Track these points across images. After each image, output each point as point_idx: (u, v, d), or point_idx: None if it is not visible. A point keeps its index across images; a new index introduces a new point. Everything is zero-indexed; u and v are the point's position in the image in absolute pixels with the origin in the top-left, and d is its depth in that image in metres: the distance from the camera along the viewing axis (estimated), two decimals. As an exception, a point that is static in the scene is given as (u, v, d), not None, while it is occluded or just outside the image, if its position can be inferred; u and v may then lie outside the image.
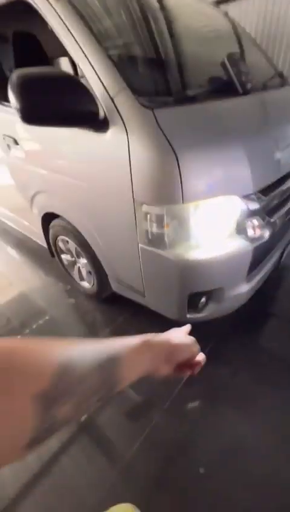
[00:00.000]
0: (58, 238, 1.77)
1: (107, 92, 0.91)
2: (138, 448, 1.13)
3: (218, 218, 1.11)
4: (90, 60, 0.91)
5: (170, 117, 0.92)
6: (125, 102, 0.90)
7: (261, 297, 1.80)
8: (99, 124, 0.97)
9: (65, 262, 1.93)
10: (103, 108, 0.94)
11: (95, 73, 0.91)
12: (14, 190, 1.82)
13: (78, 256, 1.72)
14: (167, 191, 0.95)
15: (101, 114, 0.95)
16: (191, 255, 1.09)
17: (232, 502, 0.98)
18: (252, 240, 1.17)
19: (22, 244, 2.63)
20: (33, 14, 1.03)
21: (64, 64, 1.76)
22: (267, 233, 1.20)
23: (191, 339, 0.47)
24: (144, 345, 0.37)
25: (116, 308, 1.81)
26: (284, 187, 1.27)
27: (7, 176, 1.79)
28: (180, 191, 0.94)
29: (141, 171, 0.95)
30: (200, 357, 0.48)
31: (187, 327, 0.53)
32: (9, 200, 2.13)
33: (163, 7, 1.25)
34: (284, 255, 1.59)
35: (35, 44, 1.49)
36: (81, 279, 1.87)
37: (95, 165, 1.09)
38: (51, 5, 0.94)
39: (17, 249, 2.63)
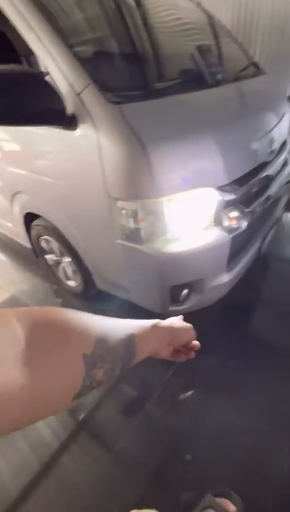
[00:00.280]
0: (41, 238, 1.76)
1: (73, 89, 0.90)
2: (131, 436, 1.15)
3: (194, 211, 1.12)
4: (53, 56, 0.90)
5: (138, 112, 0.92)
6: (92, 99, 0.89)
7: (246, 286, 1.84)
8: (68, 121, 0.96)
9: (50, 262, 1.92)
10: (70, 105, 0.93)
11: (59, 70, 0.90)
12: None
13: (62, 255, 1.72)
14: (140, 186, 0.96)
15: (69, 111, 0.94)
16: (169, 249, 1.11)
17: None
18: (229, 230, 1.18)
19: (6, 246, 2.60)
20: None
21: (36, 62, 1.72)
22: (244, 223, 1.22)
23: (188, 325, 0.52)
24: (154, 328, 0.42)
25: (104, 305, 1.81)
26: (260, 176, 1.28)
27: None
28: (153, 185, 0.95)
29: (113, 167, 0.95)
30: (196, 342, 0.53)
31: (181, 316, 0.56)
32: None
33: (131, 1, 1.24)
34: (265, 243, 1.61)
35: (5, 42, 1.46)
36: (67, 278, 1.87)
37: (68, 162, 1.09)
38: (12, 1, 0.92)
39: (1, 252, 2.60)
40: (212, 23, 1.73)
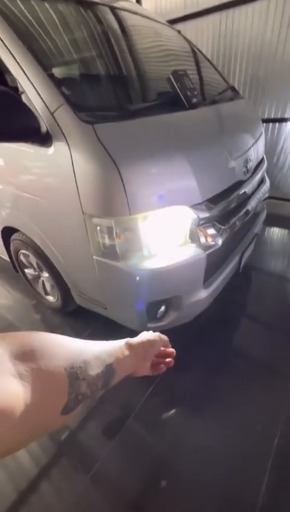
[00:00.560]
0: (20, 252, 1.73)
1: (47, 108, 0.92)
2: (107, 461, 1.10)
3: (169, 228, 1.13)
4: (28, 76, 0.92)
5: (111, 131, 0.94)
6: (65, 118, 0.91)
7: (227, 301, 1.85)
8: (43, 139, 0.97)
9: (29, 277, 1.88)
10: (45, 123, 0.94)
11: (34, 89, 0.92)
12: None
13: (41, 270, 1.68)
14: (113, 203, 0.96)
15: (43, 129, 0.95)
16: (144, 265, 1.10)
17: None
18: (205, 247, 1.20)
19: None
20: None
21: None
22: (220, 240, 1.23)
23: (157, 334, 0.54)
24: (127, 346, 0.44)
25: (83, 321, 1.77)
26: (235, 195, 1.32)
27: None
28: (126, 203, 0.95)
29: (86, 184, 0.96)
30: (171, 349, 0.56)
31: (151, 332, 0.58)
32: None
33: (109, 25, 1.29)
34: (244, 258, 1.64)
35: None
36: (46, 293, 1.83)
37: (44, 178, 1.09)
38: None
39: None
40: (191, 50, 1.82)
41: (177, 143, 1.06)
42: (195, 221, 1.15)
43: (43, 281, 1.77)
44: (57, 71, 0.97)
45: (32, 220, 1.34)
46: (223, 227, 1.27)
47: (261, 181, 1.78)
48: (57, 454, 1.15)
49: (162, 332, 0.57)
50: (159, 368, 0.54)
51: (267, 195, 1.88)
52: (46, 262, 1.50)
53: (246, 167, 1.41)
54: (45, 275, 1.66)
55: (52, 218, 1.21)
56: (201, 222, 1.16)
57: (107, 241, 1.08)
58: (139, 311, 1.22)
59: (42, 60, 0.93)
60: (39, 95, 0.92)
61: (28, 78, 0.92)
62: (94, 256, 1.15)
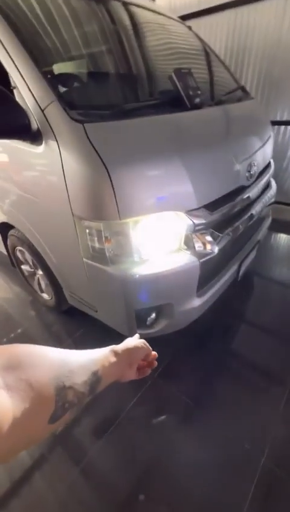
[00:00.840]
0: (16, 248, 1.72)
1: (38, 104, 0.88)
2: (86, 471, 1.07)
3: (162, 234, 1.08)
4: (20, 71, 0.89)
5: (102, 131, 0.90)
6: (56, 115, 0.87)
7: (224, 310, 1.79)
8: (34, 136, 0.94)
9: (25, 273, 1.87)
10: (35, 120, 0.91)
11: (25, 84, 0.89)
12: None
13: (36, 267, 1.67)
14: (102, 207, 0.93)
15: (34, 126, 0.92)
16: (135, 271, 1.06)
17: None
18: (200, 254, 1.15)
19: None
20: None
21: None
22: (216, 248, 1.18)
23: (141, 341, 0.55)
24: (112, 353, 0.46)
25: (76, 321, 1.75)
26: (236, 201, 1.26)
27: None
28: (116, 206, 0.91)
29: (76, 186, 0.92)
30: (153, 353, 0.58)
31: (137, 335, 0.60)
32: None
33: (108, 20, 1.24)
34: (243, 266, 1.58)
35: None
36: (41, 290, 1.81)
37: (35, 177, 1.06)
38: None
39: None
40: (201, 47, 1.75)
41: (173, 145, 1.01)
42: (190, 228, 1.10)
43: (38, 278, 1.76)
44: (50, 67, 0.94)
45: (26, 218, 1.32)
46: (220, 234, 1.21)
47: (267, 186, 1.71)
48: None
49: (154, 338, 0.59)
50: (144, 371, 0.56)
51: (273, 200, 1.81)
52: (39, 260, 1.49)
53: (250, 172, 1.35)
54: (40, 272, 1.65)
55: (44, 217, 1.18)
56: (197, 228, 1.12)
57: (96, 245, 1.04)
58: (128, 317, 1.18)
59: (35, 54, 0.89)
60: (30, 91, 0.88)
61: (20, 72, 0.89)
62: (84, 259, 1.12)
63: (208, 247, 1.17)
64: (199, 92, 1.20)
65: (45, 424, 0.28)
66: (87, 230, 1.01)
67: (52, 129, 0.88)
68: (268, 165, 1.71)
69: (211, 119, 1.25)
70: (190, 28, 1.80)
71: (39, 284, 1.79)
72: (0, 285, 2.21)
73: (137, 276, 1.06)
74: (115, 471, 1.09)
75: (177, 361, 1.50)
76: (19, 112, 0.88)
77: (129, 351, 0.49)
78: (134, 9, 1.34)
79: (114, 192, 0.88)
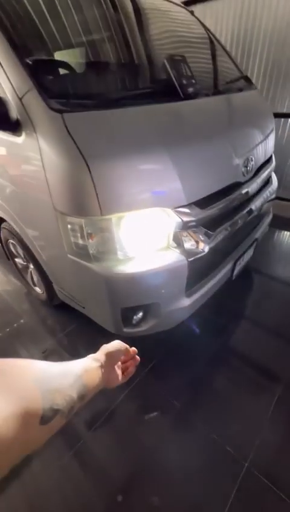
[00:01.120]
0: (8, 241, 1.70)
1: (16, 92, 0.84)
2: (62, 469, 1.07)
3: (148, 231, 1.04)
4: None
5: (83, 122, 0.85)
6: (34, 104, 0.83)
7: (219, 309, 1.75)
8: (13, 127, 0.89)
9: (19, 266, 1.86)
10: (14, 110, 0.86)
11: (3, 72, 0.84)
12: None
13: (27, 261, 1.65)
14: (84, 202, 0.89)
15: (13, 116, 0.87)
16: (119, 269, 1.03)
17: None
18: (189, 253, 1.10)
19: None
20: None
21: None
22: (206, 247, 1.13)
23: (118, 341, 0.55)
24: (91, 360, 0.47)
25: (68, 316, 1.74)
26: (229, 198, 1.20)
27: None
28: (97, 202, 0.87)
29: (55, 180, 0.88)
30: (132, 348, 0.59)
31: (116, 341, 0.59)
32: None
33: (95, 3, 1.17)
34: (239, 266, 1.52)
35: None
36: (34, 284, 1.80)
37: (17, 169, 1.02)
38: None
39: None
40: (202, 33, 1.65)
41: (160, 138, 0.95)
42: (179, 225, 1.05)
43: (31, 272, 1.74)
44: (30, 54, 0.88)
45: (13, 211, 1.29)
46: (212, 233, 1.16)
47: (267, 182, 1.63)
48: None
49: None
50: (129, 371, 0.57)
51: (273, 196, 1.73)
52: (29, 254, 1.46)
53: (247, 167, 1.28)
54: (32, 266, 1.63)
55: (29, 211, 1.15)
56: (186, 226, 1.07)
57: (79, 241, 1.01)
58: (114, 315, 1.15)
59: (14, 41, 0.84)
60: (8, 78, 0.84)
61: (-2, 59, 0.84)
62: (68, 255, 1.09)
63: (198, 245, 1.12)
64: (194, 81, 1.13)
65: (36, 425, 0.28)
66: (69, 226, 0.98)
67: (30, 119, 0.84)
68: (269, 160, 1.63)
69: (205, 111, 1.18)
70: (192, 12, 1.70)
71: (32, 277, 1.77)
72: (7, 279, 2.21)
73: (121, 274, 1.02)
74: (94, 471, 1.08)
75: (167, 361, 1.47)
76: (1, 102, 0.83)
77: (108, 354, 0.50)
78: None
79: (94, 186, 0.84)
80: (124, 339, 0.59)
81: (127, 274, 1.02)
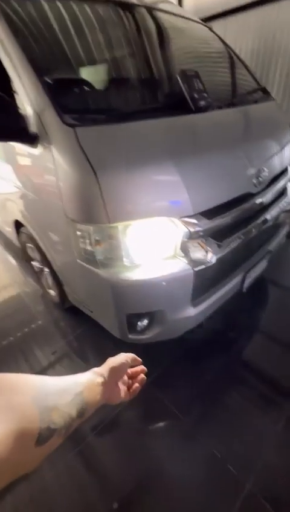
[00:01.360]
0: (26, 245, 1.79)
1: (35, 109, 0.91)
2: (58, 475, 1.08)
3: (154, 239, 1.06)
4: (20, 76, 0.92)
5: (94, 135, 0.90)
6: (50, 119, 0.89)
7: (227, 322, 1.71)
8: (31, 139, 0.97)
9: (36, 269, 1.94)
10: (33, 124, 0.94)
11: (24, 90, 0.92)
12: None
13: (43, 264, 1.73)
14: (92, 210, 0.93)
15: (32, 129, 0.94)
16: (125, 276, 1.06)
17: None
18: (195, 263, 1.11)
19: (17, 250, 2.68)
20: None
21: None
22: (213, 258, 1.13)
23: (125, 354, 0.53)
24: (95, 374, 0.45)
25: (78, 319, 1.78)
26: (238, 209, 1.19)
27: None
28: (105, 210, 0.91)
29: (67, 189, 0.94)
30: (141, 367, 0.56)
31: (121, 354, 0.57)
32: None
33: (109, 24, 1.24)
34: (250, 278, 1.49)
35: None
36: (48, 287, 1.87)
37: (34, 178, 1.10)
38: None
39: (11, 255, 2.66)
40: (217, 47, 1.69)
41: (168, 150, 0.98)
42: (186, 235, 1.07)
43: (46, 275, 1.82)
44: (48, 73, 0.96)
45: (31, 216, 1.37)
46: (219, 243, 1.16)
47: (282, 193, 1.60)
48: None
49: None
50: (134, 389, 0.53)
51: (289, 208, 1.69)
52: (44, 257, 1.53)
53: (259, 178, 1.27)
54: (47, 269, 1.70)
55: (44, 216, 1.22)
56: (193, 236, 1.08)
57: (88, 247, 1.05)
58: (119, 321, 1.17)
59: (35, 61, 0.92)
60: (28, 96, 0.91)
61: (20, 78, 0.92)
62: (77, 260, 1.14)
63: (205, 255, 1.12)
64: (205, 95, 1.16)
65: (32, 446, 0.27)
66: (78, 233, 1.02)
67: (46, 132, 0.91)
68: (284, 171, 1.60)
69: (215, 123, 1.20)
70: (210, 28, 1.75)
71: (46, 280, 1.85)
72: (19, 278, 2.32)
73: (127, 281, 1.05)
74: (92, 477, 1.08)
75: (173, 371, 1.46)
76: (18, 115, 0.91)
77: (112, 370, 0.48)
78: (140, 10, 1.32)
79: (102, 196, 0.88)
80: (130, 349, 0.58)
81: (132, 281, 1.05)
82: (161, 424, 1.25)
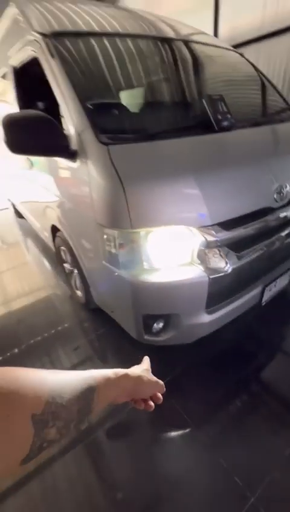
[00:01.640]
0: (60, 248, 1.98)
1: (76, 129, 1.08)
2: (65, 467, 1.13)
3: (172, 246, 1.15)
4: (66, 103, 1.10)
5: (123, 152, 1.03)
6: (88, 138, 1.05)
7: (249, 336, 1.70)
8: (72, 155, 1.13)
9: (66, 271, 2.12)
10: (73, 142, 1.10)
11: (69, 114, 1.09)
12: (36, 204, 2.13)
13: (73, 266, 1.89)
14: (118, 216, 1.05)
15: (73, 146, 1.11)
16: (143, 277, 1.15)
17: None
18: (211, 271, 1.17)
19: (46, 250, 2.94)
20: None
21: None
22: (229, 267, 1.18)
23: (156, 380, 0.50)
24: (116, 380, 0.41)
25: (100, 320, 1.90)
26: (257, 222, 1.24)
27: (31, 191, 2.11)
28: (128, 217, 1.03)
29: (98, 197, 1.08)
30: (159, 396, 0.51)
31: (147, 362, 0.56)
32: (35, 213, 2.46)
33: (145, 55, 1.40)
34: (268, 292, 1.49)
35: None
36: (76, 288, 2.03)
37: (72, 188, 1.26)
38: (48, 60, 1.17)
39: (45, 258, 2.91)
40: (247, 71, 1.78)
41: (190, 165, 1.08)
42: (203, 243, 1.14)
43: (75, 276, 1.98)
44: (89, 99, 1.13)
45: (66, 223, 1.55)
46: (237, 253, 1.21)
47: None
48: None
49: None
50: (148, 405, 0.50)
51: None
52: (75, 259, 1.69)
53: (280, 194, 1.31)
54: (76, 271, 1.86)
55: (78, 222, 1.37)
56: (209, 245, 1.14)
57: (112, 250, 1.17)
58: (135, 321, 1.26)
59: (79, 90, 1.10)
60: (71, 119, 1.09)
61: (66, 104, 1.10)
62: (103, 262, 1.26)
63: (221, 264, 1.18)
64: (229, 116, 1.25)
65: (16, 466, 0.25)
66: (105, 236, 1.15)
67: (84, 149, 1.07)
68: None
69: (238, 141, 1.28)
70: (241, 54, 1.86)
71: (75, 282, 2.01)
72: (51, 280, 2.53)
73: (145, 282, 1.14)
74: (93, 476, 1.12)
75: (187, 377, 1.48)
76: (63, 136, 1.08)
77: (137, 384, 0.45)
78: (174, 43, 1.48)
79: (127, 204, 1.00)
80: (146, 352, 0.58)
81: (150, 283, 1.14)
82: (171, 428, 1.28)
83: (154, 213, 1.04)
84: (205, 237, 1.12)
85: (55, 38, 1.25)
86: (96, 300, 1.68)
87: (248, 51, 2.68)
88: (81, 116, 1.07)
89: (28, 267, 2.86)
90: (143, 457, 1.18)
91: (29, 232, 3.47)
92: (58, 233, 1.88)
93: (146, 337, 1.31)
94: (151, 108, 1.30)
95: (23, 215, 3.20)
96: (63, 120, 1.16)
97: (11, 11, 1.49)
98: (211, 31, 3.07)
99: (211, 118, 1.22)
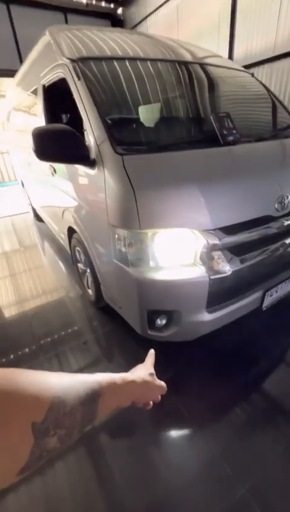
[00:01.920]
0: (76, 248, 2.13)
1: (96, 141, 1.23)
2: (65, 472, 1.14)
3: (177, 247, 1.26)
4: (88, 118, 1.26)
5: (136, 162, 1.17)
6: (106, 150, 1.20)
7: (252, 341, 1.75)
8: (91, 163, 1.28)
9: (80, 270, 2.26)
10: (93, 152, 1.26)
11: (91, 128, 1.25)
12: (55, 208, 2.31)
13: (86, 266, 2.03)
14: (128, 217, 1.18)
15: (92, 156, 1.26)
16: (149, 275, 1.26)
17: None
18: (212, 272, 1.26)
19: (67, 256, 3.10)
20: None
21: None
22: (229, 269, 1.27)
23: (161, 385, 0.51)
24: (123, 386, 0.40)
25: (108, 318, 2.01)
26: (257, 229, 1.33)
27: (52, 195, 2.29)
28: (137, 219, 1.15)
29: (112, 201, 1.21)
30: (158, 397, 0.52)
31: (151, 359, 0.56)
32: (54, 216, 2.65)
33: (162, 76, 1.56)
34: (269, 297, 1.56)
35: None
36: (88, 287, 2.16)
37: (90, 191, 1.41)
38: (74, 81, 1.35)
39: (61, 261, 3.08)
40: (257, 90, 1.91)
41: (195, 174, 1.20)
42: (205, 246, 1.24)
43: (87, 275, 2.11)
44: (108, 114, 1.29)
45: (83, 225, 1.69)
46: (237, 257, 1.30)
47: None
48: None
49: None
50: (147, 404, 0.50)
51: None
52: (88, 259, 1.83)
53: (281, 203, 1.39)
54: (89, 270, 2.00)
55: (93, 224, 1.51)
56: (212, 247, 1.24)
57: (122, 248, 1.29)
58: (140, 316, 1.36)
59: (100, 106, 1.26)
60: (92, 132, 1.24)
61: (88, 119, 1.26)
62: (113, 259, 1.38)
63: (222, 266, 1.27)
64: (234, 131, 1.37)
65: (12, 476, 0.24)
66: (116, 236, 1.27)
67: (102, 158, 1.21)
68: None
69: (241, 154, 1.39)
70: (252, 74, 1.99)
71: (87, 280, 2.14)
72: (65, 280, 2.68)
73: (150, 279, 1.25)
74: (92, 469, 1.17)
75: (188, 375, 1.55)
76: (84, 147, 1.24)
77: (144, 389, 0.44)
78: (187, 66, 1.64)
79: (137, 207, 1.13)
80: (151, 348, 0.60)
81: (154, 280, 1.24)
82: (167, 418, 1.35)
83: (161, 216, 1.16)
84: (207, 240, 1.22)
85: (82, 62, 1.43)
86: (105, 297, 1.79)
87: (261, 71, 2.81)
88: (101, 129, 1.22)
89: (44, 269, 3.03)
90: (143, 455, 1.22)
91: (46, 235, 3.69)
92: (74, 235, 2.03)
93: (150, 332, 1.40)
94: (162, 123, 1.44)
95: (43, 219, 3.42)
96: (85, 132, 1.32)
97: (46, 38, 1.71)
98: (226, 52, 3.27)
99: (217, 133, 1.34)
